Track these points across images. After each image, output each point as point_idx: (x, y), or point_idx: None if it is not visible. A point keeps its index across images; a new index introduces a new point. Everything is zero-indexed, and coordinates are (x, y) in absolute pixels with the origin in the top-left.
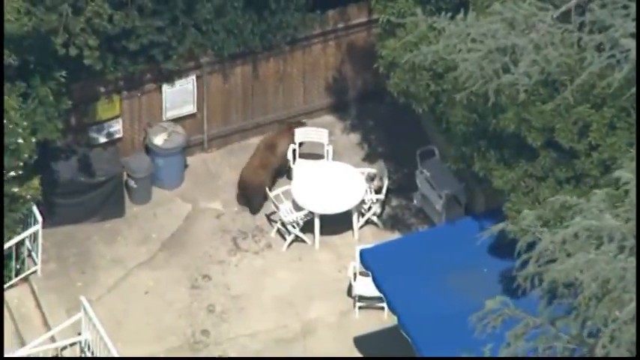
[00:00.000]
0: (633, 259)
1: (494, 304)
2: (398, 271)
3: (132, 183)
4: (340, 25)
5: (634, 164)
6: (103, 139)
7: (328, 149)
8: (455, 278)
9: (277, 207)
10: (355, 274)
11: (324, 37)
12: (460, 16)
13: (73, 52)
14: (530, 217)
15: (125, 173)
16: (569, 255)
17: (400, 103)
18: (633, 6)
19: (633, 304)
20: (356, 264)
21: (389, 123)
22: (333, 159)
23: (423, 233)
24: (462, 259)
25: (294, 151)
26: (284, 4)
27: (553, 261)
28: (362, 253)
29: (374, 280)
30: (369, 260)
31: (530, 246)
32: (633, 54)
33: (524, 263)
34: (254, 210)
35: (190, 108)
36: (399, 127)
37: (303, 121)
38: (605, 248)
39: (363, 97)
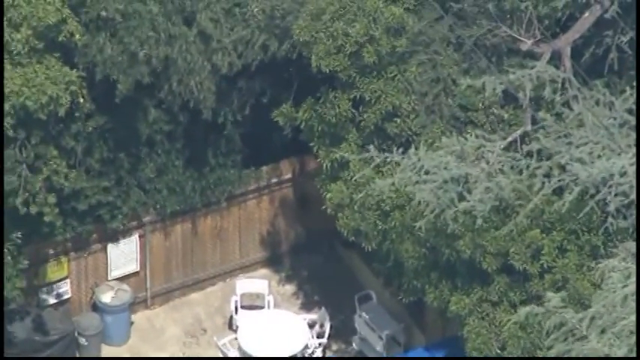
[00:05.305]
0: None
1: None
2: None
3: (82, 340)
4: (273, 180)
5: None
6: (52, 300)
7: (269, 299)
8: None
9: (225, 355)
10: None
11: (259, 192)
12: (411, 150)
13: (33, 210)
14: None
15: (76, 331)
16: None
17: (331, 254)
18: (575, 134)
19: None
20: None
21: (322, 273)
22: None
23: None
24: None
25: (235, 302)
26: (222, 160)
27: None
28: None
29: None
30: None
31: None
32: (581, 178)
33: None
34: None
35: (134, 266)
36: (331, 276)
37: None
38: None
39: (295, 249)
